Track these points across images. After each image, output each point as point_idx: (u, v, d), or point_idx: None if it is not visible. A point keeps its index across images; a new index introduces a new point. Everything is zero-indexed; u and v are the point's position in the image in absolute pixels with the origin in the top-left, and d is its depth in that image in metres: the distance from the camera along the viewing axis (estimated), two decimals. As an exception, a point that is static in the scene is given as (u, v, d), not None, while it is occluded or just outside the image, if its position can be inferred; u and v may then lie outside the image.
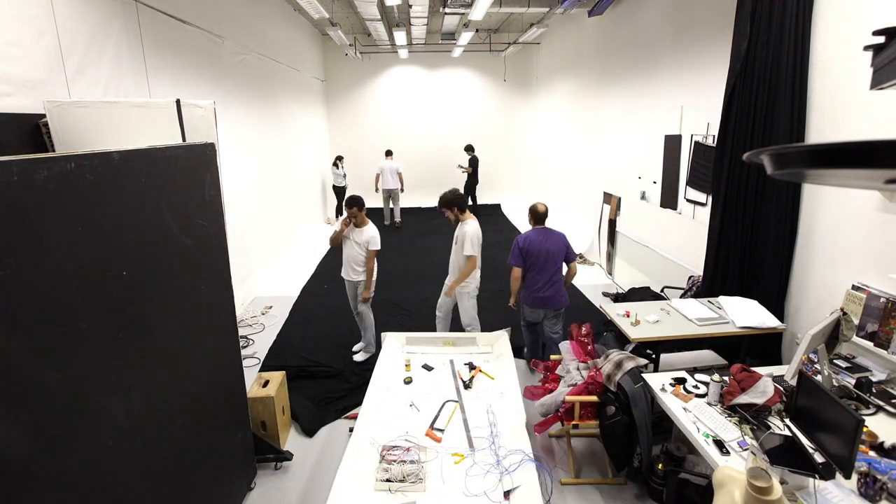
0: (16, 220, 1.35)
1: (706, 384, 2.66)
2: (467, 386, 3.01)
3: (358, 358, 4.45)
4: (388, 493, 2.19)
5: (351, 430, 2.61)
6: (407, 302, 5.80)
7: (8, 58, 2.45)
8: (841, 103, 2.99)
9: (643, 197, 5.69)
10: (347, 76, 11.43)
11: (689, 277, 4.74)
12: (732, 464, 2.12)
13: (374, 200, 10.32)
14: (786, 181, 3.32)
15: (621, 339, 3.41)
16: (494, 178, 12.25)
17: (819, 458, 1.98)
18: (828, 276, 3.11)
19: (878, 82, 1.73)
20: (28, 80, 2.57)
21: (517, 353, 3.47)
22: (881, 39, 1.71)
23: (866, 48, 1.80)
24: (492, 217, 10.93)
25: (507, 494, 2.15)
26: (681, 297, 4.45)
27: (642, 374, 2.83)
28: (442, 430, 2.61)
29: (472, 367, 3.23)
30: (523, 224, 9.90)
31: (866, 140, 0.38)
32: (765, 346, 3.40)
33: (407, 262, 7.42)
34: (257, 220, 6.27)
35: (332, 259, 7.67)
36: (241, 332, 4.69)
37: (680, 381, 2.75)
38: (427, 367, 3.27)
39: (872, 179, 0.42)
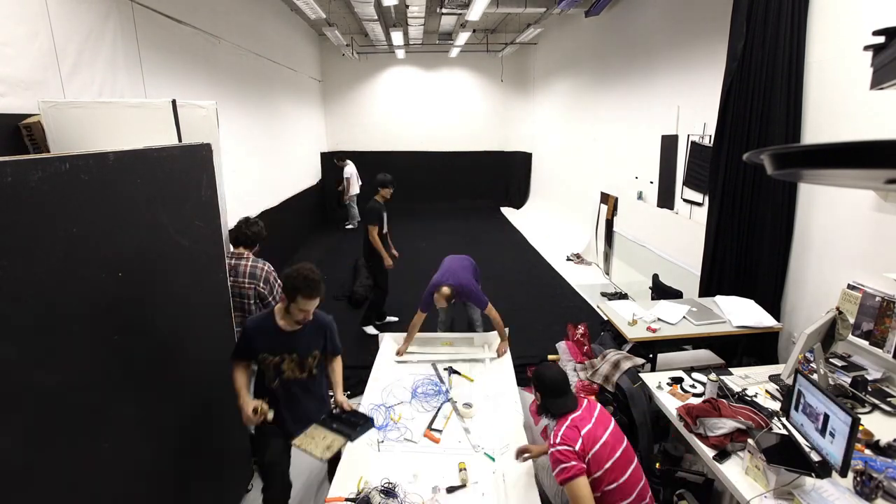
0: (9, 222, 1.34)
1: (703, 384, 2.66)
2: (465, 385, 3.00)
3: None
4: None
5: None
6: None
7: (1, 58, 2.43)
8: (836, 103, 3.00)
9: (640, 197, 5.70)
10: (344, 76, 11.39)
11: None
12: (730, 463, 2.13)
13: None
14: (782, 181, 3.31)
15: (619, 339, 3.41)
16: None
17: (815, 456, 1.98)
18: (823, 275, 3.12)
19: (878, 82, 1.73)
20: (22, 80, 2.54)
21: None
22: (881, 39, 1.71)
23: (866, 48, 1.80)
24: (490, 217, 10.94)
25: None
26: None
27: (639, 374, 2.83)
28: (440, 431, 2.61)
29: (463, 369, 3.23)
30: (523, 224, 9.91)
31: (867, 140, 0.37)
32: (761, 346, 3.41)
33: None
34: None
35: (327, 261, 7.64)
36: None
37: (677, 381, 2.76)
38: (423, 368, 3.27)
39: (873, 179, 0.42)
